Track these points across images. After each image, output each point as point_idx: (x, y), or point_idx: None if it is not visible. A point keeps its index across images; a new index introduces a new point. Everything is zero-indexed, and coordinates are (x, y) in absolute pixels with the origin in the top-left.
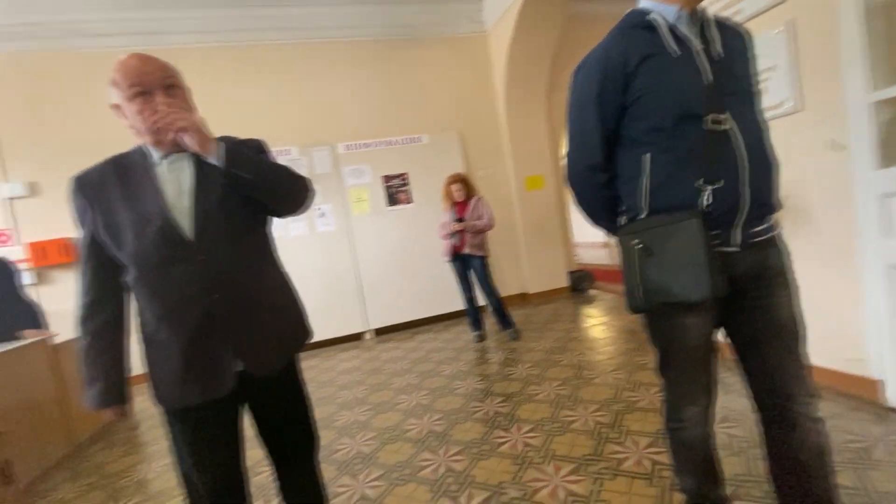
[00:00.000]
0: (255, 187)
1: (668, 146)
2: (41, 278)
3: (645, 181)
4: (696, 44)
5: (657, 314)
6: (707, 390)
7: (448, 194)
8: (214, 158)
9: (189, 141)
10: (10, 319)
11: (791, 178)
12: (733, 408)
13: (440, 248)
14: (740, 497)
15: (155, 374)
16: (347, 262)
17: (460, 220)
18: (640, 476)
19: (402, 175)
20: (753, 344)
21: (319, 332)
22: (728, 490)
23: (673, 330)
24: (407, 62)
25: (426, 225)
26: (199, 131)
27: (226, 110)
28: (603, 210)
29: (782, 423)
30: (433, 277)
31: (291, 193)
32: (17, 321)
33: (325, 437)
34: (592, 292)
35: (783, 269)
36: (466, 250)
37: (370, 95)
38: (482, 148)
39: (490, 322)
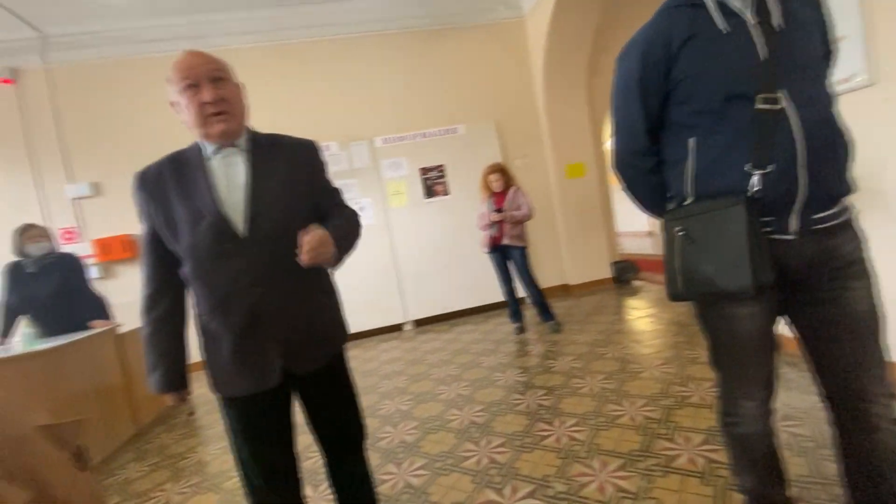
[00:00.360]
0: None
1: (715, 129)
2: (105, 272)
3: (690, 166)
4: (751, 17)
5: (706, 304)
6: (764, 385)
7: (486, 185)
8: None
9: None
10: (81, 311)
11: (865, 158)
12: (797, 405)
13: (478, 240)
14: (805, 500)
15: (210, 363)
16: (386, 255)
17: (499, 210)
18: (693, 474)
19: (438, 167)
20: (825, 339)
21: (361, 324)
22: (792, 492)
23: (722, 321)
24: (442, 52)
25: (463, 216)
26: (332, 258)
27: (269, 107)
28: (651, 196)
29: (858, 426)
30: (471, 269)
31: (357, 242)
32: (87, 312)
33: (369, 425)
34: (637, 283)
35: (858, 257)
36: (505, 241)
37: (406, 88)
38: (520, 136)
39: (530, 314)
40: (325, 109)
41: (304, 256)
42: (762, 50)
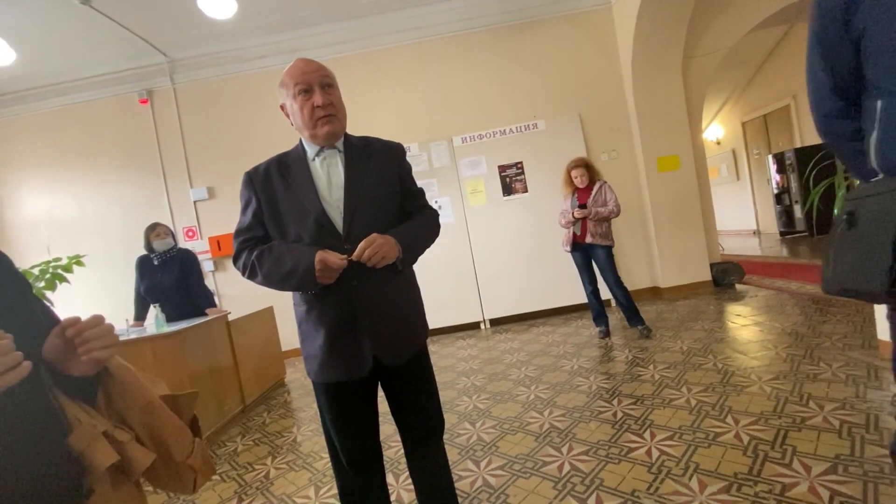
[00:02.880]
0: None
1: None
2: (217, 266)
3: (875, 136)
4: None
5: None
6: None
7: (568, 180)
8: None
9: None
10: (199, 300)
11: None
12: None
13: (558, 238)
14: None
15: (307, 351)
16: (465, 253)
17: (582, 206)
18: None
19: (517, 164)
20: None
21: (439, 320)
22: None
23: None
24: (522, 47)
25: (542, 214)
26: (394, 256)
27: (356, 112)
28: (859, 167)
29: None
30: (550, 268)
31: (432, 242)
32: (201, 302)
33: (447, 420)
34: (741, 288)
35: None
36: (588, 239)
37: (486, 85)
38: (605, 129)
39: (615, 318)
40: (407, 111)
41: (360, 255)
42: None
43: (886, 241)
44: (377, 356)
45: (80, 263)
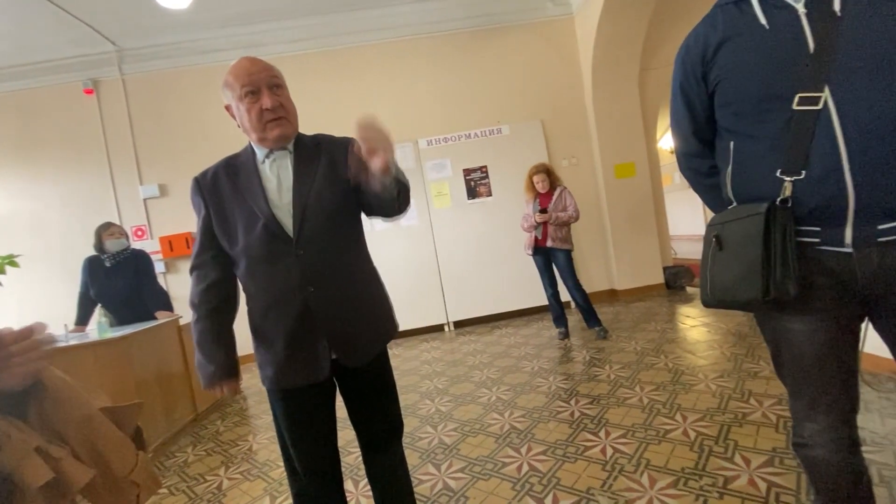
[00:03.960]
0: (396, 194)
1: (750, 132)
2: (169, 268)
3: (729, 171)
4: (799, 7)
5: (762, 314)
6: (827, 409)
7: (530, 185)
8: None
9: (377, 163)
10: (150, 303)
11: None
12: (876, 430)
13: (521, 242)
14: None
15: (262, 358)
16: (429, 255)
17: (543, 211)
18: (754, 498)
19: (481, 168)
20: None
21: (403, 323)
22: None
23: (776, 332)
24: (487, 52)
25: (506, 217)
26: (391, 155)
27: (317, 111)
28: (712, 199)
29: None
30: (513, 271)
31: (408, 199)
32: (153, 305)
33: (408, 424)
34: (691, 290)
35: None
36: (549, 243)
37: (451, 89)
38: (566, 136)
39: (574, 319)
40: (371, 112)
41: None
42: (806, 46)
43: (756, 259)
44: (337, 359)
45: (13, 264)
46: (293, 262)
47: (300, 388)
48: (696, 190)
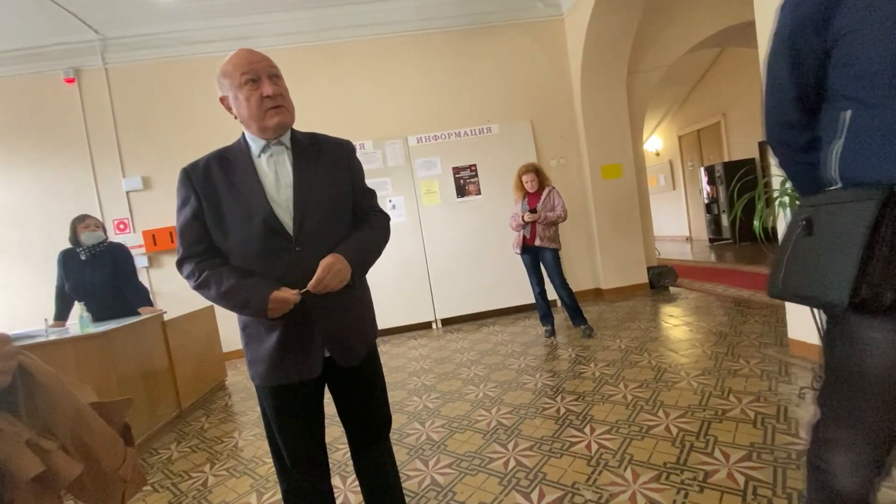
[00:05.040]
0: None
1: (878, 101)
2: (152, 262)
3: (839, 146)
4: None
5: (832, 318)
6: (881, 443)
7: (519, 185)
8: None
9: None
10: (132, 298)
11: None
12: None
13: (509, 240)
14: None
15: (253, 354)
16: (418, 253)
17: (532, 210)
18: (732, 491)
19: (471, 166)
20: None
21: (390, 320)
22: None
23: (848, 345)
24: (478, 51)
25: (495, 216)
26: (345, 279)
27: (307, 106)
28: (804, 179)
29: None
30: (501, 269)
31: (382, 250)
32: (134, 300)
33: (396, 420)
34: (674, 290)
35: None
36: (537, 242)
37: (442, 87)
38: (555, 136)
39: (561, 317)
40: (361, 108)
41: (311, 286)
42: None
43: (853, 253)
44: (332, 357)
45: None
46: (292, 258)
47: (291, 384)
48: (784, 168)
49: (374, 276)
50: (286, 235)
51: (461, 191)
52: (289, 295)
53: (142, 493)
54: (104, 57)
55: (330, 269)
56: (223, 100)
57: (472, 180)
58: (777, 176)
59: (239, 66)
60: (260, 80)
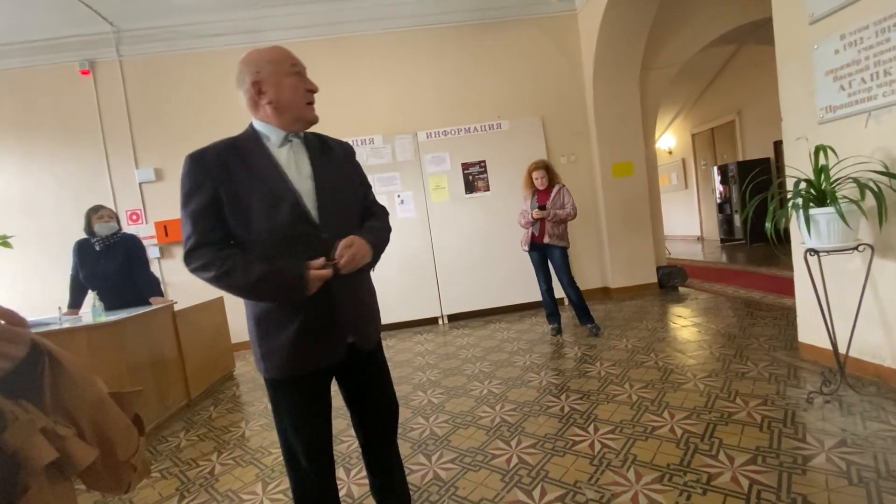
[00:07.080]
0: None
1: None
2: (164, 253)
3: None
4: None
5: None
6: None
7: (529, 182)
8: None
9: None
10: (144, 288)
11: None
12: (857, 431)
13: (517, 237)
14: None
15: (268, 346)
16: (425, 248)
17: (542, 208)
18: (736, 495)
19: (480, 162)
20: None
21: (397, 315)
22: None
23: None
24: (489, 46)
25: (503, 213)
26: (369, 258)
27: (317, 100)
28: None
29: None
30: (508, 266)
31: (387, 236)
32: (145, 290)
33: (401, 414)
34: (684, 290)
35: None
36: (546, 240)
37: (452, 82)
38: (566, 133)
39: (567, 316)
40: (371, 102)
41: (343, 261)
42: None
43: None
44: (355, 340)
45: (6, 245)
46: (317, 243)
47: (304, 375)
48: None
49: (381, 271)
50: (313, 222)
51: (470, 187)
52: (322, 269)
53: (150, 479)
54: (119, 49)
55: (352, 244)
56: (257, 84)
57: (481, 176)
58: (791, 177)
59: (288, 57)
60: (304, 75)
